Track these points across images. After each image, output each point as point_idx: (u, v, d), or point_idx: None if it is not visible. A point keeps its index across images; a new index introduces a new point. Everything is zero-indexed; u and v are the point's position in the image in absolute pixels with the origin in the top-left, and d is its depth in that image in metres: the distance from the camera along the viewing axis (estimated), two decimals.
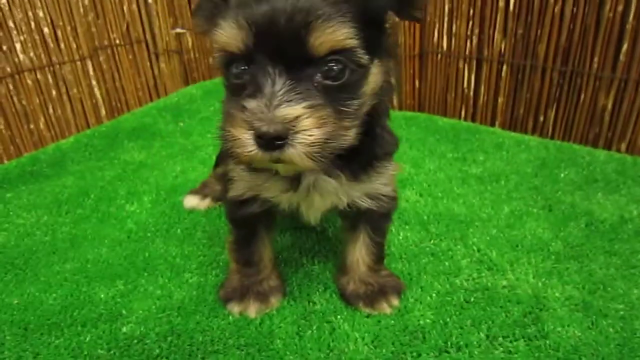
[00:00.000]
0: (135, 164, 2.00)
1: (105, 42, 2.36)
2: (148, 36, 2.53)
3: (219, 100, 3.03)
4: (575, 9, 1.85)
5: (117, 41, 2.40)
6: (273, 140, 0.76)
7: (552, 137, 2.10)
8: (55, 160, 2.01)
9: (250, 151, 0.78)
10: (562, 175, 1.78)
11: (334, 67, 0.81)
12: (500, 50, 2.09)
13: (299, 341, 1.09)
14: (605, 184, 1.72)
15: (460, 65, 2.22)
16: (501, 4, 2.00)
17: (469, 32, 2.15)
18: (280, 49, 0.78)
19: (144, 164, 2.00)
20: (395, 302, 1.19)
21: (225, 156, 1.64)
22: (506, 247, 1.40)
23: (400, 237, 1.45)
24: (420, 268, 1.32)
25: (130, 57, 2.48)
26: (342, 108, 0.83)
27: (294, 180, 1.02)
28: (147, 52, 2.55)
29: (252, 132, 0.77)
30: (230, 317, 1.16)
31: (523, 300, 1.20)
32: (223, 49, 0.84)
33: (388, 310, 1.17)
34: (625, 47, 1.81)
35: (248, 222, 1.17)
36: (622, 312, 1.16)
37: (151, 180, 1.86)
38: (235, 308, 1.18)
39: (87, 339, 1.11)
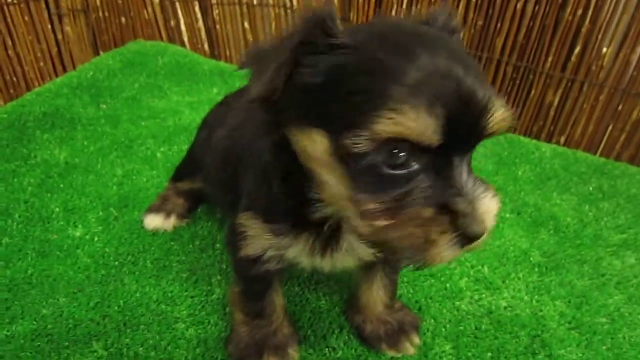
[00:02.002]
0: (60, 166, 1.65)
1: None
2: None
3: (143, 74, 2.57)
4: (537, 8, 1.87)
5: None
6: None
7: None
8: None
9: (446, 253, 0.69)
10: (520, 173, 1.87)
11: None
12: None
13: None
14: (557, 182, 1.84)
15: None
16: None
17: None
18: (468, 136, 0.68)
19: (72, 165, 1.66)
20: (416, 339, 1.16)
21: (191, 170, 1.42)
22: (495, 261, 1.44)
23: None
24: (425, 293, 1.31)
25: (27, 18, 1.99)
26: None
27: (328, 243, 0.91)
28: (47, 12, 2.07)
29: (455, 233, 0.68)
30: None
31: (526, 322, 1.25)
32: (399, 137, 0.64)
33: (412, 351, 1.14)
34: (577, 49, 1.89)
35: (261, 279, 1.03)
36: (606, 327, 1.27)
37: (89, 190, 1.55)
38: None
39: None
